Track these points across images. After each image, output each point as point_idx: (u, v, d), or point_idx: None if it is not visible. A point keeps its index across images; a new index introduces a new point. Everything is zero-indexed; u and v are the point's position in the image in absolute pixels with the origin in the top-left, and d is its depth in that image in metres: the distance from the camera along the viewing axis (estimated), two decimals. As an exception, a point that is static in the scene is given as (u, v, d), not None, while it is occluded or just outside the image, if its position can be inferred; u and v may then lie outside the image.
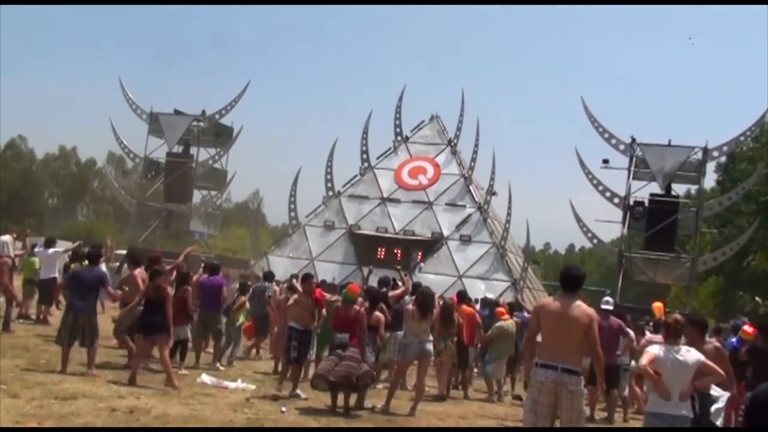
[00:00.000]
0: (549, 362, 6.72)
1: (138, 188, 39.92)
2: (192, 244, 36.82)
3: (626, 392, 12.84)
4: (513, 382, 15.10)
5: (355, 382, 10.22)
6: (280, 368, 12.93)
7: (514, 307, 16.28)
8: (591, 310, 6.92)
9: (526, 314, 14.44)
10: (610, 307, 12.75)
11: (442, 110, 37.03)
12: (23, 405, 8.49)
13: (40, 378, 10.25)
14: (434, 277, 27.97)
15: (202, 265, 15.38)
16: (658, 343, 7.25)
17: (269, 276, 16.81)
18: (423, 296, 11.50)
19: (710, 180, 46.72)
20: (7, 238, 12.22)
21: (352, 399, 10.55)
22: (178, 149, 37.13)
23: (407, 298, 12.91)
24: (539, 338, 7.16)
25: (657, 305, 14.61)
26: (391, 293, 12.99)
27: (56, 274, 16.46)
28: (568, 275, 7.05)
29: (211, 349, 14.25)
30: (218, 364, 13.61)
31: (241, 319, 14.69)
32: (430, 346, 11.27)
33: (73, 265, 15.37)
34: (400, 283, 14.30)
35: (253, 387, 11.53)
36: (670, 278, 34.12)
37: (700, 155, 31.42)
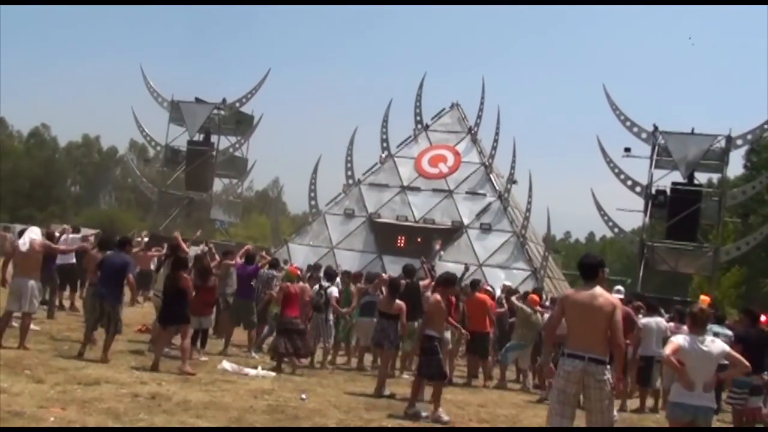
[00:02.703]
0: (576, 352, 6.72)
1: (159, 176, 40.18)
2: (212, 232, 37.09)
3: (659, 384, 12.65)
4: (534, 371, 15.03)
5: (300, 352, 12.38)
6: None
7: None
8: (615, 298, 6.98)
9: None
10: (621, 296, 12.69)
11: (462, 98, 36.87)
12: (47, 390, 8.58)
13: (64, 364, 10.36)
14: (454, 266, 27.77)
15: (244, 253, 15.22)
16: (683, 333, 7.20)
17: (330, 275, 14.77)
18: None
19: (738, 168, 46.23)
20: (36, 228, 12.57)
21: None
22: (199, 137, 37.35)
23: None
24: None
25: (704, 299, 14.48)
26: (422, 282, 13.01)
27: (74, 260, 16.61)
28: (586, 264, 7.06)
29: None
30: (253, 353, 13.65)
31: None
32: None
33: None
34: (421, 273, 14.29)
35: (273, 375, 11.58)
36: (693, 268, 33.86)
37: (723, 143, 31.17)
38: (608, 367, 6.75)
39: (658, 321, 12.91)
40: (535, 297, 14.69)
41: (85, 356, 11.12)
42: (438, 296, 10.06)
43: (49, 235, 15.31)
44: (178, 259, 11.73)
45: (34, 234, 11.91)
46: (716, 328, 12.03)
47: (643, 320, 12.80)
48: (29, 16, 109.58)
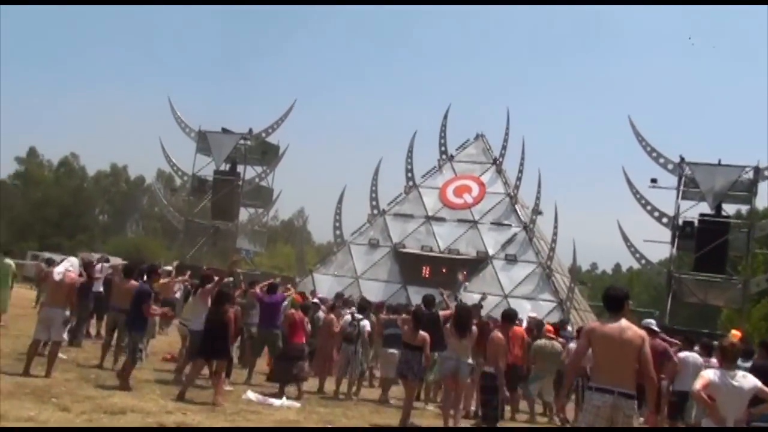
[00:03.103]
0: (605, 386, 6.62)
1: (186, 205, 40.53)
2: (237, 261, 37.24)
3: (693, 420, 12.39)
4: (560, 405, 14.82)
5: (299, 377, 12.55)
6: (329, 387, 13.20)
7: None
8: (642, 332, 6.89)
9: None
10: (656, 328, 12.48)
11: (487, 129, 36.97)
12: (73, 419, 8.62)
13: (90, 392, 10.40)
14: (479, 297, 27.73)
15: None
16: (713, 368, 7.10)
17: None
18: (458, 314, 11.43)
19: (767, 199, 45.83)
20: (74, 259, 12.79)
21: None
22: (225, 167, 37.70)
23: None
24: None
25: (735, 333, 14.20)
26: (442, 312, 12.97)
27: (101, 289, 16.79)
28: (611, 296, 6.99)
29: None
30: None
31: None
32: (466, 366, 11.05)
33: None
34: (444, 303, 14.24)
35: (298, 405, 11.54)
36: (722, 300, 33.42)
37: (751, 174, 30.88)
38: (635, 401, 6.66)
39: (695, 356, 12.70)
40: (550, 327, 14.64)
41: (110, 385, 11.17)
42: (500, 333, 9.98)
43: (87, 264, 15.48)
44: (222, 293, 11.72)
45: (70, 265, 11.99)
46: (739, 361, 11.81)
47: (681, 354, 12.57)
48: (56, 48, 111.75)
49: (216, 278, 12.85)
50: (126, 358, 11.60)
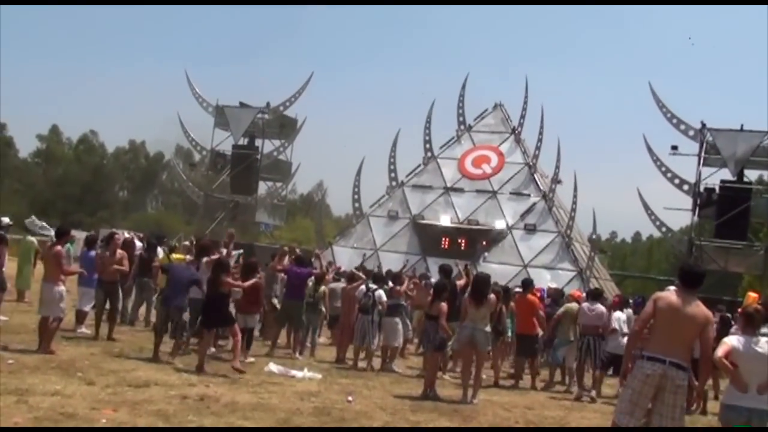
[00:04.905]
0: (657, 355, 6.66)
1: (205, 180, 40.67)
2: (257, 235, 37.44)
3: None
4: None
5: None
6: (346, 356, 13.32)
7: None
8: (709, 313, 6.86)
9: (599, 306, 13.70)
10: None
11: (505, 98, 36.66)
12: (98, 392, 8.74)
13: (114, 366, 10.54)
14: (499, 267, 27.77)
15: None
16: (736, 335, 7.06)
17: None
18: (475, 283, 11.51)
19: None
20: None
21: None
22: (243, 141, 37.77)
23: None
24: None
25: (752, 295, 14.02)
26: (458, 282, 13.05)
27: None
28: (691, 272, 7.00)
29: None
30: (297, 354, 13.72)
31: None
32: (483, 334, 11.17)
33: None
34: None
35: (320, 376, 11.63)
36: (743, 267, 33.22)
37: (774, 140, 30.52)
38: (688, 373, 6.69)
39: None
40: (578, 293, 14.67)
41: (134, 357, 11.35)
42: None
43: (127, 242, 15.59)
44: (219, 263, 11.84)
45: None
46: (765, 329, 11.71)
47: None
48: (74, 25, 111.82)
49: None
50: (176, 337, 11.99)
